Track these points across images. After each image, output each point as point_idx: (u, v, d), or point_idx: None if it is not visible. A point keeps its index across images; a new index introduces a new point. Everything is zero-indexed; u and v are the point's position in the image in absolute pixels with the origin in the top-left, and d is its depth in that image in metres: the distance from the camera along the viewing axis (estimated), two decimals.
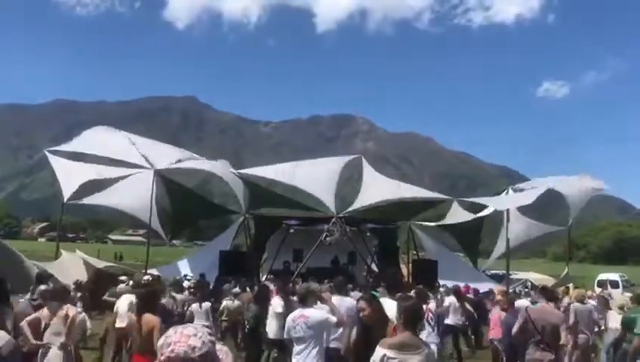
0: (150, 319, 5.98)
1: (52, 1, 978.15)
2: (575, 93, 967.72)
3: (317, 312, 6.47)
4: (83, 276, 13.90)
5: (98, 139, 21.94)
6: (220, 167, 23.52)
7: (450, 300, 11.59)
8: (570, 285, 18.63)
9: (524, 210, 23.90)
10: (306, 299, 6.57)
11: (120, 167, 21.69)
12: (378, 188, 22.45)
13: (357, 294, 10.46)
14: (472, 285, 18.27)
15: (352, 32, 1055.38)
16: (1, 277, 3.25)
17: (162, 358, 2.08)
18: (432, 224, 25.27)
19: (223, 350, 2.45)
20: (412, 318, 4.27)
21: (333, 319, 6.38)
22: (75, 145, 21.95)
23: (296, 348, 6.01)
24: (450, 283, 17.05)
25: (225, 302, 11.40)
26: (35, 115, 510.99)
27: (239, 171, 23.23)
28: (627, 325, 7.42)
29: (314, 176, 22.33)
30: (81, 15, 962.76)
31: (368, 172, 24.01)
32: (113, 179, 22.18)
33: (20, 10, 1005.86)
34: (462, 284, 16.66)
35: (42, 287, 8.01)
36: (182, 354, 2.05)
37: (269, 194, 25.57)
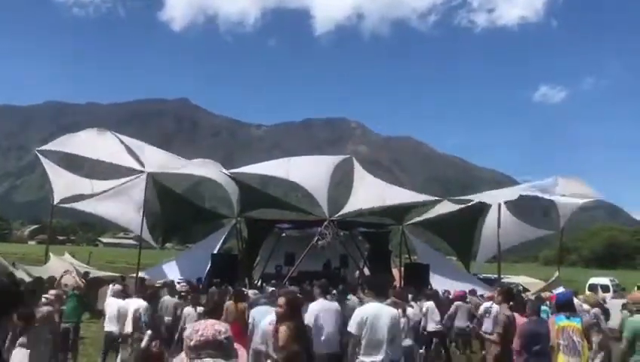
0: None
1: (48, 1, 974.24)
2: (572, 98, 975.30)
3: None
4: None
5: (89, 141, 21.60)
6: (213, 171, 23.12)
7: (428, 305, 11.41)
8: (561, 288, 18.64)
9: (514, 212, 23.86)
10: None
11: (113, 175, 21.47)
12: (367, 191, 22.34)
13: (354, 298, 10.28)
14: (466, 289, 18.21)
15: (350, 33, 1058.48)
16: (5, 283, 2.85)
17: (192, 343, 2.34)
18: (424, 218, 25.02)
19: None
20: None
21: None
22: (65, 144, 21.56)
23: None
24: (441, 288, 17.13)
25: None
26: (27, 116, 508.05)
27: (231, 171, 22.85)
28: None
29: (308, 170, 22.27)
30: (78, 16, 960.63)
31: (358, 173, 23.97)
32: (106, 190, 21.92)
33: (14, 10, 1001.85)
34: (453, 288, 16.71)
35: None
36: (211, 337, 2.34)
37: (262, 195, 25.34)
